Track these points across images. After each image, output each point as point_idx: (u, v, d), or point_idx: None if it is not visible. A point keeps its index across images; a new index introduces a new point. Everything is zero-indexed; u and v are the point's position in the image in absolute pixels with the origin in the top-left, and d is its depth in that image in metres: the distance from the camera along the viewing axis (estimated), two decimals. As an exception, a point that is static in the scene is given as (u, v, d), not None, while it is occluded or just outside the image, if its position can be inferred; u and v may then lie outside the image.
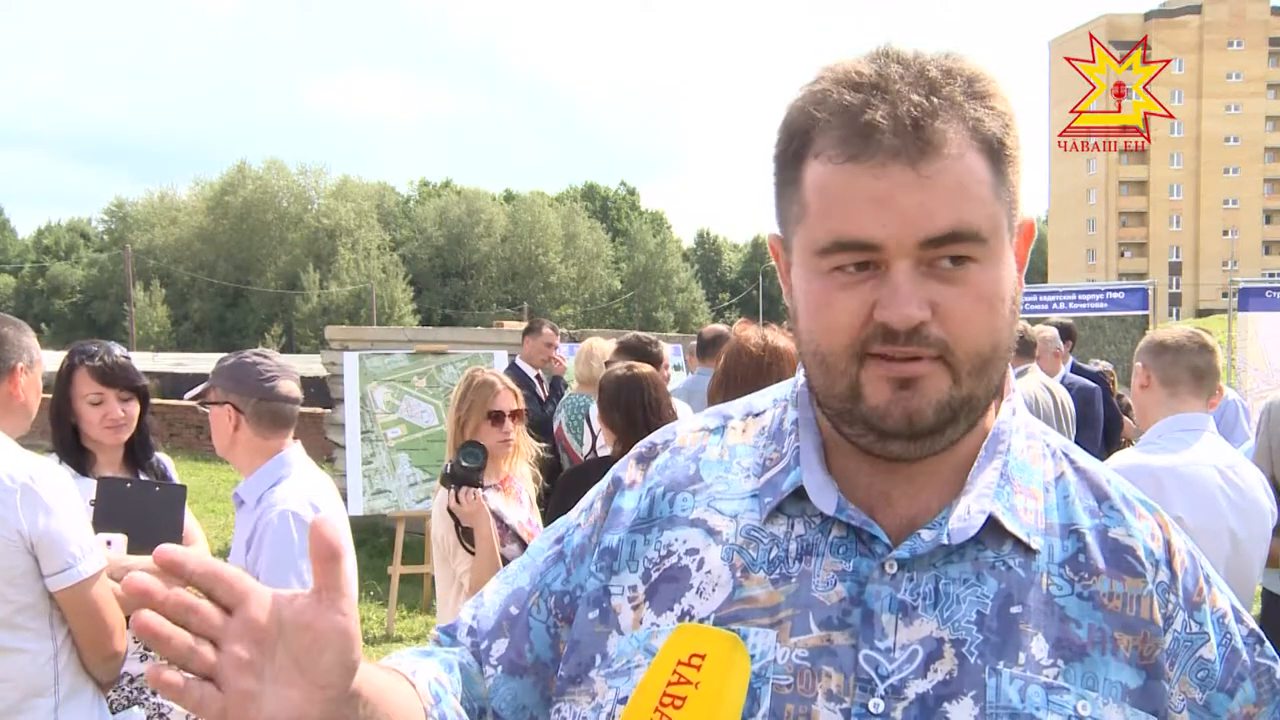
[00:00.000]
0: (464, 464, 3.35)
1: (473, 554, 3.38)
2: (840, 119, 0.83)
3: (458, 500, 3.37)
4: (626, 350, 5.37)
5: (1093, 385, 6.35)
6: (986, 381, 0.87)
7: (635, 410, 3.47)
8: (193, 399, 2.90)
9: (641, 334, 5.68)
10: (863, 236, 0.83)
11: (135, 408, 3.01)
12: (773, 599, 0.89)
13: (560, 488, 3.64)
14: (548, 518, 3.49)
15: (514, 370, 6.54)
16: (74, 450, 2.95)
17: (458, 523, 3.42)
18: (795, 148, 0.88)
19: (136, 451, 3.09)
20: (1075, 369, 6.98)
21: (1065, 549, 0.91)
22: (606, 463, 3.56)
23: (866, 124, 0.82)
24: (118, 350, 3.04)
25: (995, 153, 0.85)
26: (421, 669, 0.94)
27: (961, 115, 0.84)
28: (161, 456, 3.23)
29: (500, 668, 1.01)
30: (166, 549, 0.73)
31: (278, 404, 2.80)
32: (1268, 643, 0.94)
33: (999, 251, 0.86)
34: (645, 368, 3.71)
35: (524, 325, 7.71)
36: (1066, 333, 6.93)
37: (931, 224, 0.82)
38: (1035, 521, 0.91)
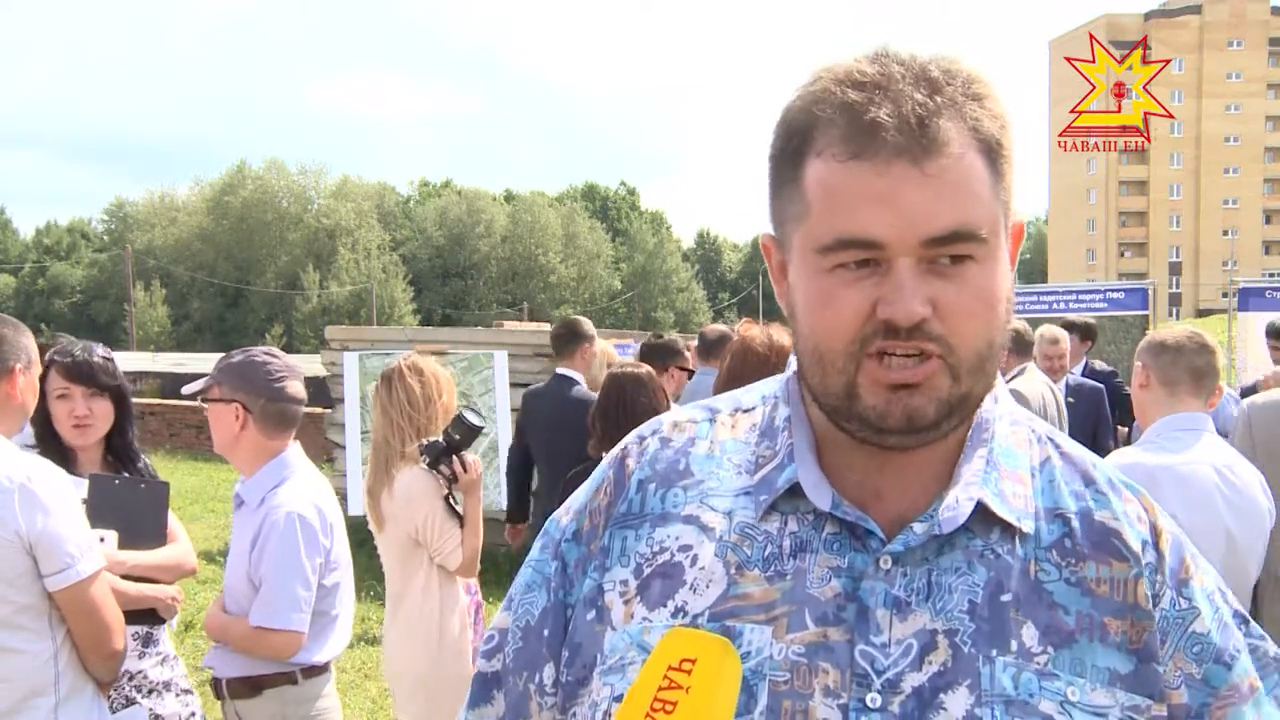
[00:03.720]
0: (473, 423, 3.34)
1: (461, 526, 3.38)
2: (844, 117, 0.83)
3: (464, 468, 3.36)
4: (647, 352, 5.27)
5: (1098, 385, 6.22)
6: (985, 380, 0.88)
7: (613, 410, 3.46)
8: (194, 394, 2.86)
9: (658, 333, 5.56)
10: (867, 234, 0.83)
11: (105, 406, 2.97)
12: (768, 596, 0.89)
13: (566, 489, 3.63)
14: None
15: None
16: (56, 449, 2.93)
17: (449, 498, 3.40)
18: (795, 146, 0.88)
19: (121, 452, 3.06)
20: (1090, 371, 6.75)
21: (1052, 533, 0.91)
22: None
23: (871, 122, 0.82)
24: (99, 350, 3.02)
25: (993, 153, 0.86)
26: None
27: (962, 115, 0.84)
28: (146, 460, 3.21)
29: (558, 692, 0.99)
30: None
31: (285, 404, 2.81)
32: (1251, 623, 0.95)
33: (997, 251, 0.87)
34: (641, 367, 3.70)
35: (526, 325, 7.64)
36: (1087, 332, 6.78)
37: (935, 223, 0.82)
38: (1024, 506, 0.91)
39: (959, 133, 0.83)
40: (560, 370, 5.13)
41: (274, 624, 2.65)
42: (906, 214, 0.82)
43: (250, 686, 2.73)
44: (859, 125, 0.82)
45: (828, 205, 0.85)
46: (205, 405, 2.84)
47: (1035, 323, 6.54)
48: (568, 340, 5.17)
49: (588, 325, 5.30)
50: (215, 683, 2.81)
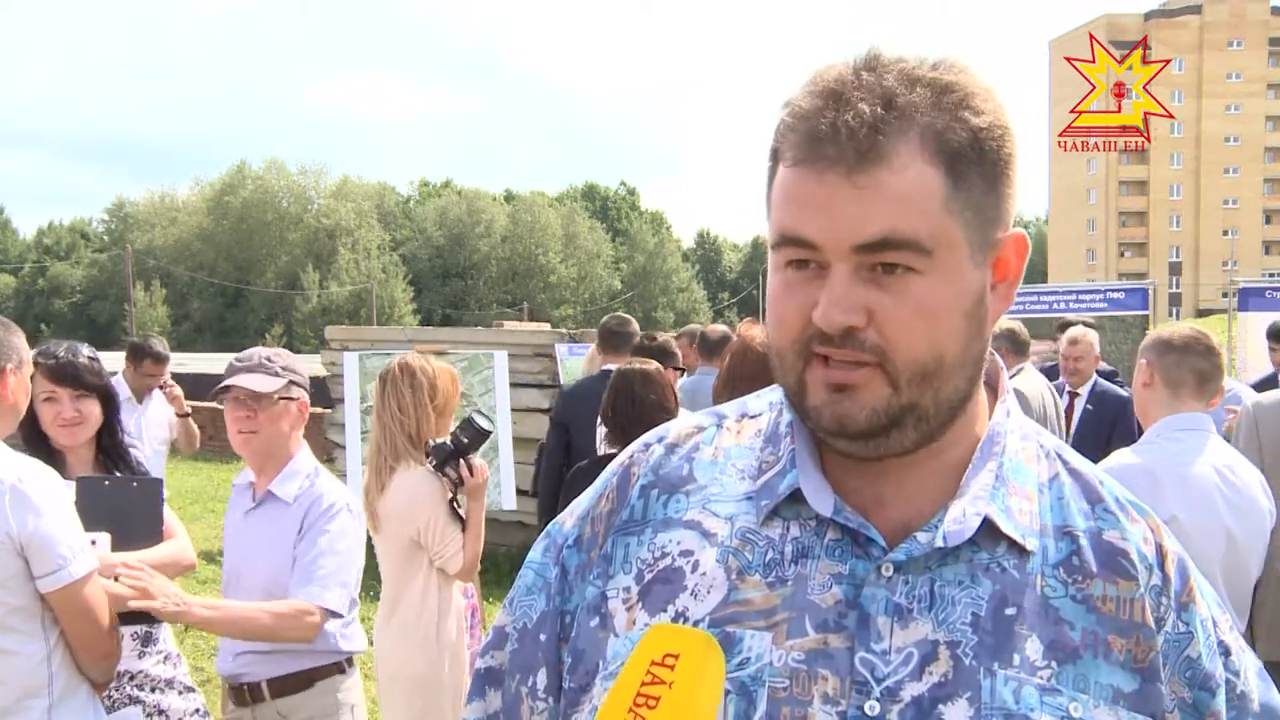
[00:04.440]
0: (482, 427, 3.33)
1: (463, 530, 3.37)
2: (800, 124, 0.86)
3: (470, 472, 3.34)
4: (640, 351, 5.27)
5: (1123, 396, 5.99)
6: (934, 391, 0.87)
7: (622, 405, 3.44)
8: (272, 393, 2.79)
9: (650, 335, 5.51)
10: (802, 233, 0.85)
11: (92, 407, 2.96)
12: (769, 602, 0.89)
13: (569, 485, 3.62)
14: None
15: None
16: (45, 451, 2.90)
17: (453, 500, 3.37)
18: (774, 149, 0.90)
19: (111, 451, 3.04)
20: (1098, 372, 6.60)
21: (1060, 550, 0.91)
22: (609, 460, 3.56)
23: (816, 131, 0.84)
24: (85, 350, 3.02)
25: (957, 165, 0.85)
26: None
27: (918, 126, 0.84)
28: (140, 457, 3.20)
29: (551, 699, 1.00)
30: None
31: None
32: (1232, 655, 0.96)
33: (949, 264, 0.85)
34: (650, 364, 3.69)
35: (526, 325, 7.60)
36: None
37: (864, 230, 0.83)
38: (1030, 523, 0.91)
39: (907, 145, 0.83)
40: (609, 366, 5.11)
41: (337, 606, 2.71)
42: (838, 221, 0.84)
43: (301, 681, 2.74)
44: (809, 134, 0.85)
45: (778, 205, 0.88)
46: (276, 403, 2.79)
47: (1035, 323, 6.50)
48: (625, 337, 5.23)
49: (636, 324, 5.49)
50: (248, 688, 2.77)
